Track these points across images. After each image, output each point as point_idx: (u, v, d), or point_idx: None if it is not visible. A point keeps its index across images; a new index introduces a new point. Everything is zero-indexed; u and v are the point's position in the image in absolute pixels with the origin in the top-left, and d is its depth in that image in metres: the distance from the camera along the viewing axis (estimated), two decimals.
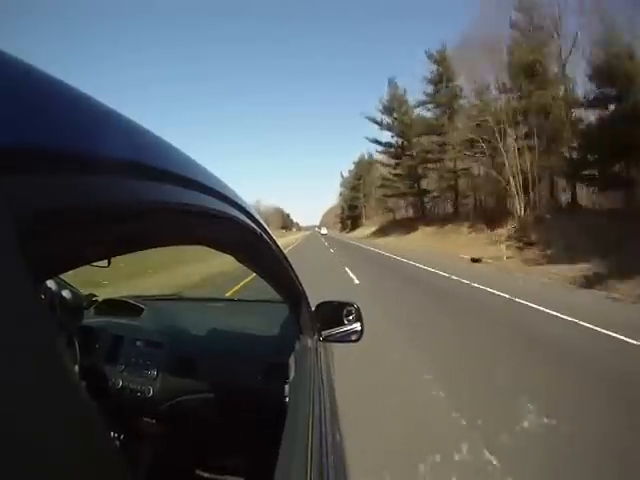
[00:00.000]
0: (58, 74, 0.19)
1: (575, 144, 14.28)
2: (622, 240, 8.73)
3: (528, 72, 15.29)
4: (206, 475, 1.18)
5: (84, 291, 1.38)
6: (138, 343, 1.24)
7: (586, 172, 14.04)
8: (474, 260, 11.38)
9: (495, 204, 19.29)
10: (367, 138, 32.57)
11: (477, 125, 17.44)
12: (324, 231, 66.12)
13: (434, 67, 24.23)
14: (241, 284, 6.29)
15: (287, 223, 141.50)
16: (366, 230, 43.61)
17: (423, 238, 22.40)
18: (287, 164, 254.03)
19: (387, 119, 29.66)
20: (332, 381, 1.26)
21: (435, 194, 27.75)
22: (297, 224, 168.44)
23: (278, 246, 0.64)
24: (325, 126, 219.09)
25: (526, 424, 2.21)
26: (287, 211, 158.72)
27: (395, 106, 29.11)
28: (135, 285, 4.40)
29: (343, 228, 66.84)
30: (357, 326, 1.16)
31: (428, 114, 25.86)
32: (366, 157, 51.56)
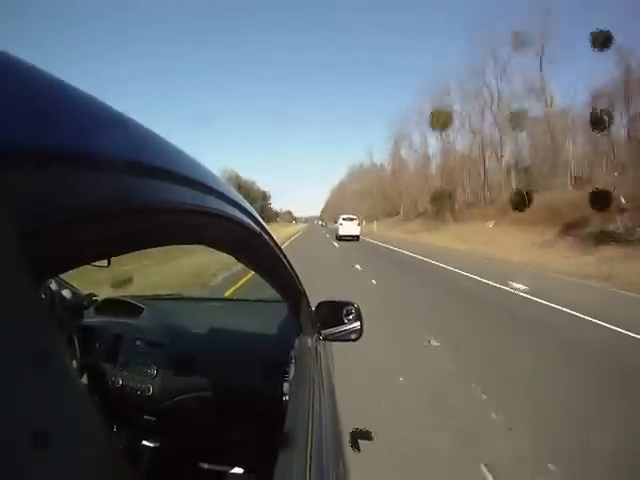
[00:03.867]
0: (57, 73, 0.19)
1: None
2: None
3: None
4: (206, 473, 1.18)
5: (87, 290, 1.38)
6: (138, 342, 1.24)
7: None
8: None
9: None
10: None
11: None
12: (351, 229, 21.03)
13: None
14: None
15: (264, 210, 76.80)
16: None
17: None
18: (282, 150, 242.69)
19: None
20: (332, 380, 1.27)
21: None
22: (289, 213, 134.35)
23: (278, 245, 0.64)
24: (320, 116, 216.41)
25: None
26: (265, 189, 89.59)
27: None
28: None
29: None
30: (357, 325, 1.16)
31: None
32: None
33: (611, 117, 15.92)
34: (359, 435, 1.98)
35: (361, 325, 1.16)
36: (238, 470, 1.17)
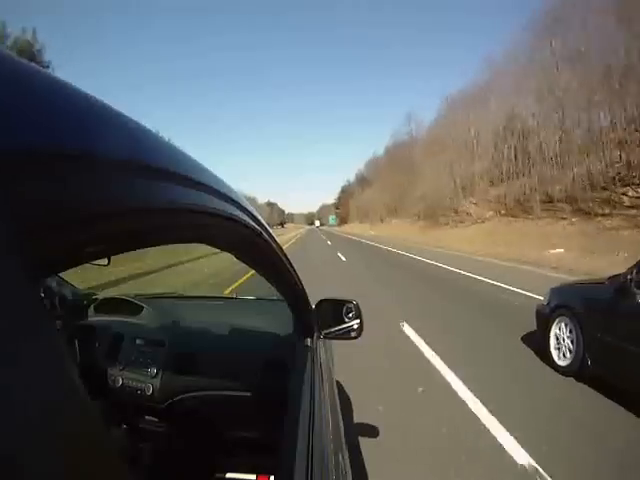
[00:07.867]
0: (58, 72, 0.19)
1: None
2: None
3: None
4: (206, 472, 1.19)
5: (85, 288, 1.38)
6: (138, 341, 1.24)
7: None
8: None
9: None
10: None
11: None
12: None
13: None
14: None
15: None
16: None
17: None
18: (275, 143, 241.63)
19: None
20: (332, 378, 1.27)
21: None
22: (270, 206, 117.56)
23: (278, 244, 0.64)
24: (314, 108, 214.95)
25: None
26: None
27: None
28: None
29: None
30: (357, 323, 1.16)
31: None
32: None
33: None
34: (361, 432, 1.99)
35: (361, 323, 1.16)
36: (239, 468, 1.17)
